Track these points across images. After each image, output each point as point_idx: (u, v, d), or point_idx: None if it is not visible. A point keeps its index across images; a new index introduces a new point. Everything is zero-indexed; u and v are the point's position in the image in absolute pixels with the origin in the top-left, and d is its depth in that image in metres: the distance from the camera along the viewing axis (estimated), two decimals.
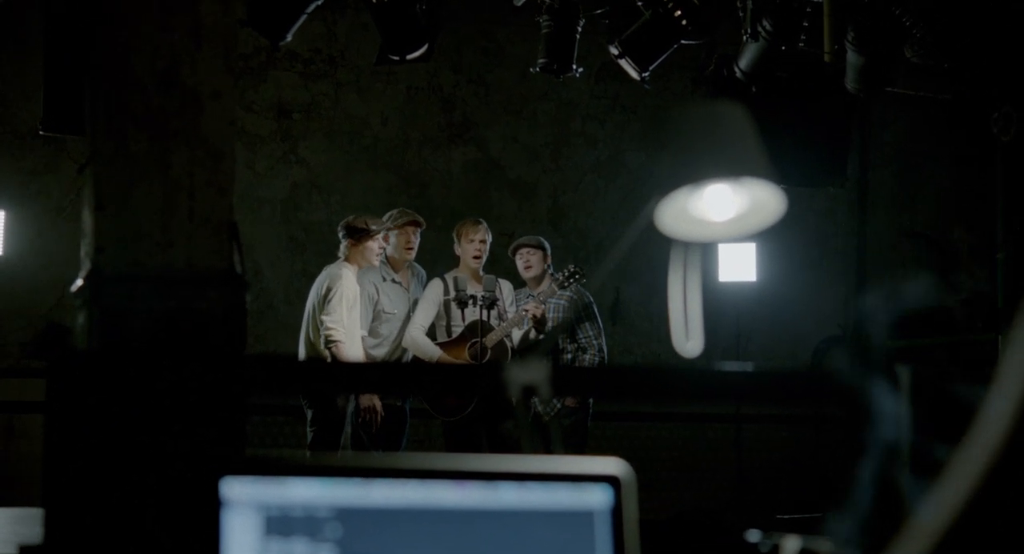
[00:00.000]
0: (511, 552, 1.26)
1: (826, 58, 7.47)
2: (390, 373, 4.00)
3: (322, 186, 9.72)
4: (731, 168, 1.59)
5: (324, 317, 6.74)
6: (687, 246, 1.65)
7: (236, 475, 1.22)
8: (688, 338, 1.55)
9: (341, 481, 1.23)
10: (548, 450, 6.32)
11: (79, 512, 2.74)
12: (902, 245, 10.48)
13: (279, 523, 1.21)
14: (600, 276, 9.78)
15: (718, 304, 8.96)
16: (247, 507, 1.22)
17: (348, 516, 1.23)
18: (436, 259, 8.00)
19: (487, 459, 1.26)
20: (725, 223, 1.67)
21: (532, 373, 1.61)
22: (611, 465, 1.28)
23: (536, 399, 7.01)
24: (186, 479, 2.83)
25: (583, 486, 1.27)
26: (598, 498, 1.28)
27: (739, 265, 8.93)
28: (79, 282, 3.68)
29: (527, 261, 7.34)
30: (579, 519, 1.27)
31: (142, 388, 2.44)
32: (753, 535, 1.63)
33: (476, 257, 7.23)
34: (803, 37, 7.24)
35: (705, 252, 1.73)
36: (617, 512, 1.27)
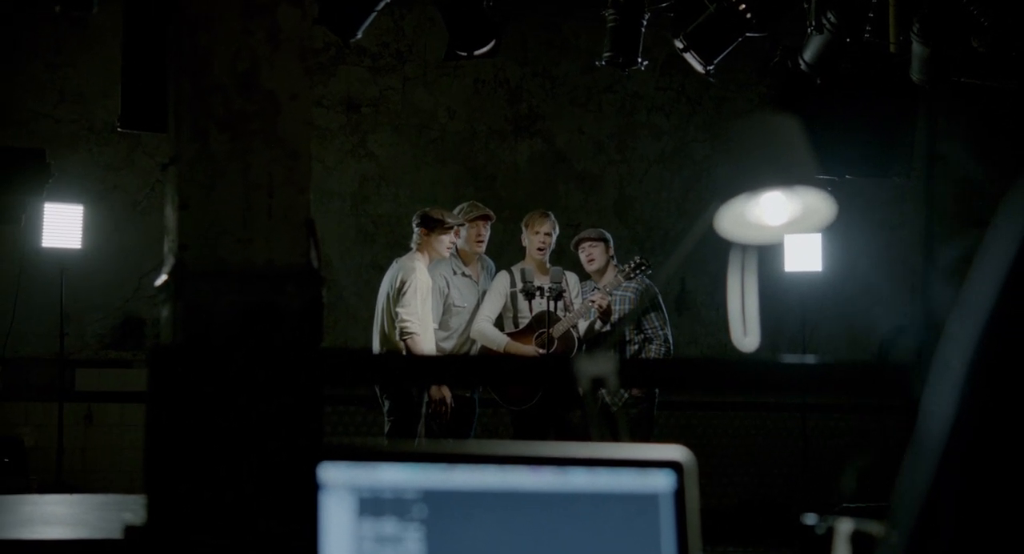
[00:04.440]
0: (581, 532, 1.37)
1: (891, 49, 7.47)
2: (461, 366, 4.10)
3: (390, 179, 9.87)
4: (785, 177, 1.71)
5: (399, 309, 6.85)
6: (744, 248, 1.76)
7: (332, 461, 1.34)
8: (746, 334, 1.66)
9: (427, 466, 1.35)
10: (615, 439, 6.42)
11: (180, 495, 2.89)
12: (969, 235, 10.44)
13: (371, 504, 1.34)
14: (666, 267, 9.85)
15: (784, 294, 9.00)
16: (342, 490, 1.34)
17: (433, 498, 1.35)
18: (502, 251, 8.11)
19: (559, 446, 1.38)
20: (779, 227, 1.79)
21: (600, 365, 1.72)
22: (674, 452, 1.40)
23: (604, 390, 7.09)
24: (280, 464, 2.97)
25: (648, 471, 1.38)
26: (662, 482, 1.39)
27: (805, 255, 8.96)
28: (163, 277, 3.83)
29: (589, 254, 7.41)
30: (645, 502, 1.38)
31: (235, 380, 2.58)
32: (809, 518, 1.73)
33: (540, 249, 7.32)
34: (868, 28, 7.25)
35: (768, 246, 1.85)
36: (680, 495, 1.38)
